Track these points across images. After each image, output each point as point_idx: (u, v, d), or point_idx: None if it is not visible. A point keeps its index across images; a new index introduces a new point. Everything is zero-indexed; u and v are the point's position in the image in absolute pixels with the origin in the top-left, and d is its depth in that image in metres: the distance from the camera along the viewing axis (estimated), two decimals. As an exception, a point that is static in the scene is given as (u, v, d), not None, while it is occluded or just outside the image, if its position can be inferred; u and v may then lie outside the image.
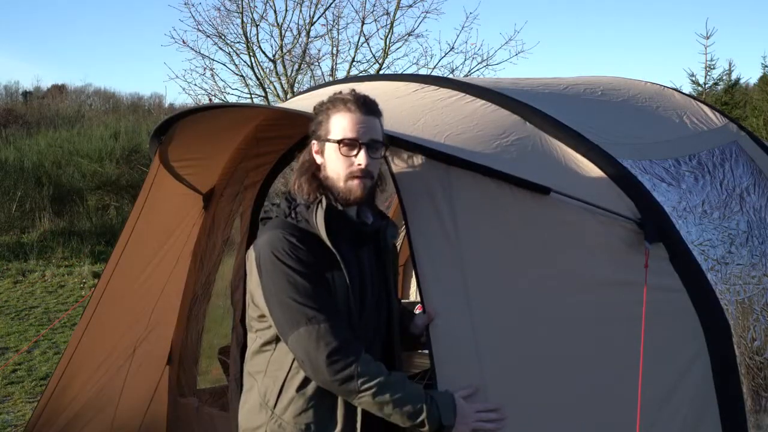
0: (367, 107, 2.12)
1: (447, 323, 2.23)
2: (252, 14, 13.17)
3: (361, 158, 2.07)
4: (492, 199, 2.42)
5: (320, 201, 2.12)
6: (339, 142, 2.08)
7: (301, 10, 14.12)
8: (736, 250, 2.98)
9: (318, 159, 2.16)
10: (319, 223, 2.08)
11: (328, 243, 2.07)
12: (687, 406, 2.39)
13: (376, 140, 2.12)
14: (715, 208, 3.05)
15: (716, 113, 3.75)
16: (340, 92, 2.19)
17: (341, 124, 2.09)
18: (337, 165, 2.10)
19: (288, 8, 13.35)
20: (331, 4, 13.33)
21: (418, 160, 2.44)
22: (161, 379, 3.95)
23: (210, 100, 13.52)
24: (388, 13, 13.31)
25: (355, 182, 2.09)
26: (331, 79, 13.15)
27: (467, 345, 2.23)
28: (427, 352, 2.28)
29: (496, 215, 2.42)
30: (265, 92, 13.54)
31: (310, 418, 2.07)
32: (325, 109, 2.15)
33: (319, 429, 2.07)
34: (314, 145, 2.17)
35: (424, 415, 1.98)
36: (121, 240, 3.63)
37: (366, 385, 1.97)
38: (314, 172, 2.16)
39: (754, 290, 2.91)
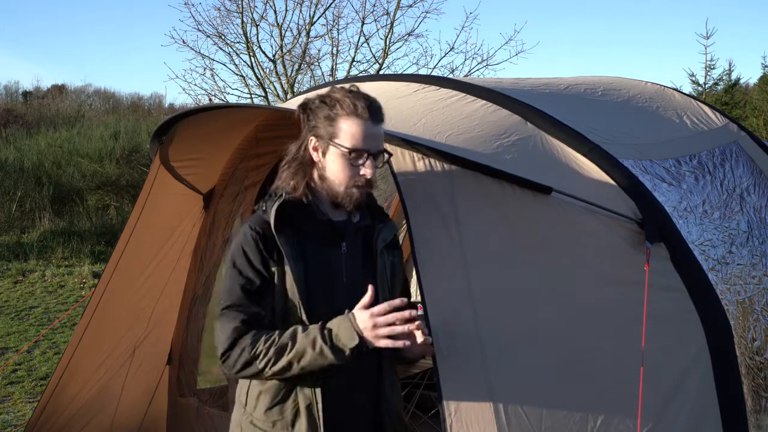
0: (377, 115, 2.06)
1: (450, 323, 2.23)
2: (252, 14, 13.17)
3: (367, 170, 2.04)
4: (494, 199, 2.42)
5: (280, 195, 2.10)
6: (349, 151, 2.02)
7: (301, 10, 14.16)
8: (737, 250, 2.98)
9: (315, 156, 2.10)
10: (270, 216, 2.06)
11: (275, 236, 2.05)
12: (688, 406, 2.39)
13: (381, 150, 2.09)
14: (716, 208, 3.06)
15: (716, 113, 3.75)
16: (350, 89, 2.09)
17: (352, 131, 2.02)
18: (340, 172, 2.05)
19: (288, 8, 13.35)
20: (331, 4, 13.33)
21: (419, 160, 2.44)
22: (161, 379, 3.95)
23: (210, 100, 13.51)
24: (388, 13, 13.33)
25: (356, 191, 2.07)
26: (331, 79, 13.15)
27: (470, 344, 2.23)
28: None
29: (497, 215, 2.42)
30: (265, 92, 13.54)
31: (277, 415, 2.09)
32: (332, 105, 2.05)
33: (285, 425, 2.08)
34: (312, 141, 2.09)
35: (328, 351, 1.94)
36: (121, 240, 3.63)
37: (263, 361, 1.99)
38: (307, 169, 2.11)
39: (754, 290, 2.91)
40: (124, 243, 3.62)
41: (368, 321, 1.94)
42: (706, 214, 2.97)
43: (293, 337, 2.01)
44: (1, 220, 11.69)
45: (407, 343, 1.94)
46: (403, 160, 2.45)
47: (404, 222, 2.38)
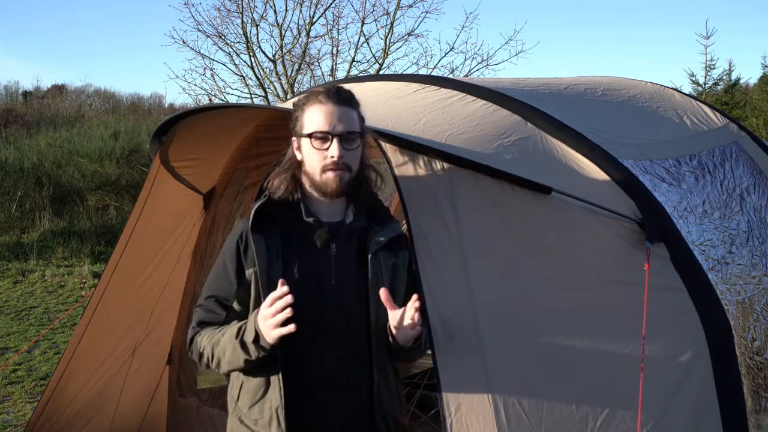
0: (339, 97, 2.10)
1: (450, 323, 2.23)
2: (252, 14, 13.17)
3: (333, 150, 2.05)
4: (493, 199, 2.42)
5: (265, 195, 2.16)
6: (310, 135, 2.07)
7: (301, 10, 14.16)
8: (737, 250, 2.98)
9: (298, 155, 2.16)
10: (251, 215, 2.12)
11: (250, 236, 2.10)
12: (688, 405, 2.40)
13: (351, 131, 2.09)
14: (716, 208, 3.06)
15: (716, 113, 3.75)
16: (315, 86, 2.19)
17: (314, 118, 2.08)
18: (312, 159, 2.09)
19: (288, 8, 13.34)
20: (331, 4, 13.33)
21: (419, 160, 2.44)
22: (161, 379, 3.95)
23: (210, 100, 13.52)
24: (388, 13, 13.32)
25: (331, 174, 2.07)
26: (331, 79, 13.16)
27: (470, 344, 2.23)
28: (429, 351, 2.27)
29: (497, 215, 2.42)
30: (265, 92, 13.54)
31: (258, 414, 2.11)
32: (300, 104, 2.14)
33: (264, 425, 2.10)
34: (294, 141, 2.17)
35: (238, 347, 2.02)
36: (121, 240, 3.62)
37: (206, 356, 2.12)
38: (295, 171, 2.16)
39: (754, 290, 2.91)
40: (124, 243, 3.62)
41: (261, 314, 1.97)
42: (706, 214, 2.97)
43: (224, 333, 2.08)
44: (1, 220, 11.68)
45: (292, 328, 1.90)
46: (403, 160, 2.45)
47: (404, 222, 2.38)
